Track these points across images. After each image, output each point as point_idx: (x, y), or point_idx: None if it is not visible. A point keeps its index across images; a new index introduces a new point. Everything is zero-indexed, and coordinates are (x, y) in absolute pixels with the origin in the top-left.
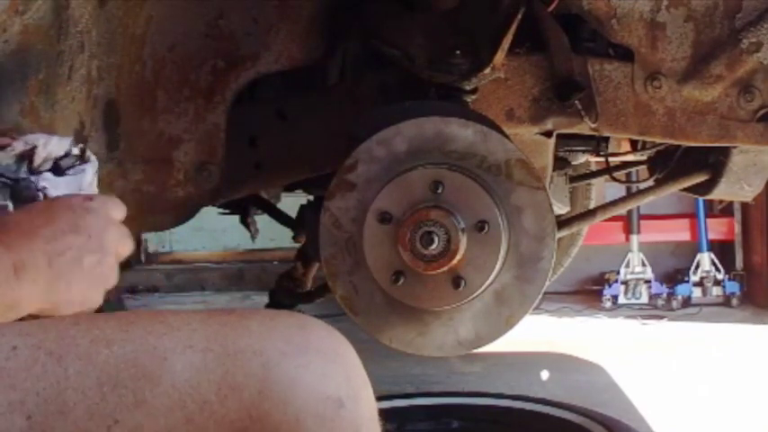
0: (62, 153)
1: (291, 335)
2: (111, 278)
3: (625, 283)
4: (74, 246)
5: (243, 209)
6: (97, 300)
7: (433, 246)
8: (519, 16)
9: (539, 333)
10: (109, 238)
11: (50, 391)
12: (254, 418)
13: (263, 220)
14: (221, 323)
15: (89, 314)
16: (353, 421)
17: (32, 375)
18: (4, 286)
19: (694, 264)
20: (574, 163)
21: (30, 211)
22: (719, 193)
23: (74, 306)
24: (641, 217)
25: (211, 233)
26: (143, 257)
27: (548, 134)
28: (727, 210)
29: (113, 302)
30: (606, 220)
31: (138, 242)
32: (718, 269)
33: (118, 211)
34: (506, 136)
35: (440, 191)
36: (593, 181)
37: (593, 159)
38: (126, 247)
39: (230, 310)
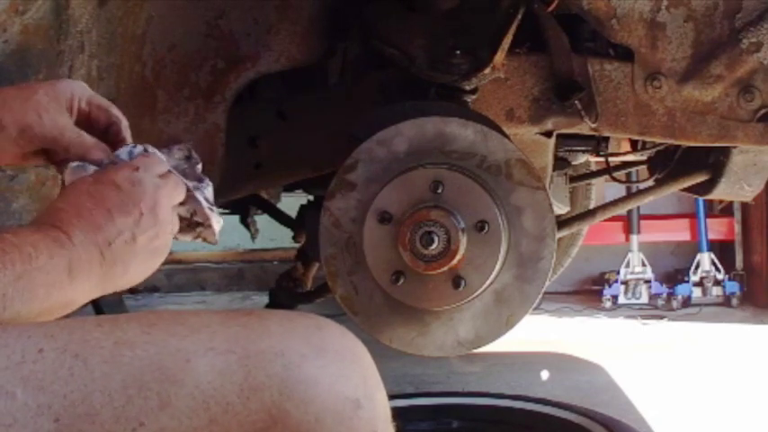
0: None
1: (310, 336)
2: (168, 247)
3: (625, 283)
4: (125, 229)
5: (243, 209)
6: (153, 270)
7: (433, 246)
8: (519, 16)
9: (539, 333)
10: (162, 206)
11: (77, 394)
12: (275, 417)
13: (263, 220)
14: (241, 325)
15: (111, 316)
16: (370, 421)
17: (59, 378)
18: (58, 289)
19: (694, 264)
20: (574, 163)
21: (77, 194)
22: (719, 193)
23: (132, 283)
24: (641, 217)
25: None
26: None
27: (548, 134)
28: (727, 210)
29: (113, 302)
30: (606, 220)
31: None
32: (718, 269)
33: (161, 166)
34: (506, 136)
35: (440, 191)
36: (593, 181)
37: (593, 159)
38: (180, 195)
39: (248, 311)
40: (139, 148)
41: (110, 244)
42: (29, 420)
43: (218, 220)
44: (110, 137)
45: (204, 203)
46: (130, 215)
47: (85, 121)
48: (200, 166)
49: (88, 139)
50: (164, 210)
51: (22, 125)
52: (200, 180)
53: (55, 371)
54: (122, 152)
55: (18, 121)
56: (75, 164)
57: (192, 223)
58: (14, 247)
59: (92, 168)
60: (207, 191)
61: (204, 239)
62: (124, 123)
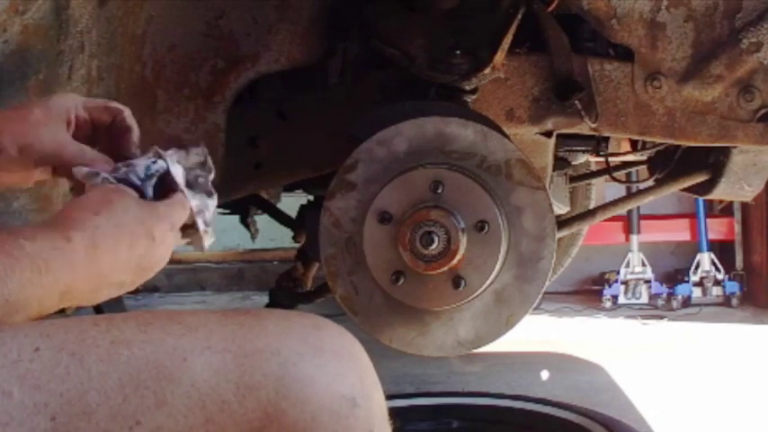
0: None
1: (307, 335)
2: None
3: (625, 283)
4: (125, 281)
5: (243, 209)
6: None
7: (433, 246)
8: (519, 16)
9: (539, 333)
10: (159, 267)
11: (74, 392)
12: (271, 416)
13: (263, 220)
14: (238, 323)
15: (108, 315)
16: (367, 420)
17: (56, 377)
18: (46, 309)
19: (694, 264)
20: (574, 163)
21: (125, 228)
22: (719, 193)
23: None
24: (641, 217)
25: None
26: None
27: (548, 134)
28: (727, 210)
29: (112, 302)
30: (606, 220)
31: None
32: (718, 269)
33: (184, 215)
34: (506, 136)
35: (440, 191)
36: (593, 181)
37: (593, 159)
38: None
39: (245, 311)
40: (160, 163)
41: (108, 286)
42: (25, 419)
43: (209, 239)
44: (114, 131)
45: (201, 226)
46: (142, 270)
47: (88, 125)
48: (212, 176)
49: (89, 152)
50: (157, 268)
51: (20, 145)
52: (209, 194)
53: (51, 369)
54: (140, 167)
55: (17, 140)
56: (86, 169)
57: (186, 225)
58: (28, 257)
59: (103, 175)
60: (208, 212)
61: (192, 244)
62: (127, 113)
